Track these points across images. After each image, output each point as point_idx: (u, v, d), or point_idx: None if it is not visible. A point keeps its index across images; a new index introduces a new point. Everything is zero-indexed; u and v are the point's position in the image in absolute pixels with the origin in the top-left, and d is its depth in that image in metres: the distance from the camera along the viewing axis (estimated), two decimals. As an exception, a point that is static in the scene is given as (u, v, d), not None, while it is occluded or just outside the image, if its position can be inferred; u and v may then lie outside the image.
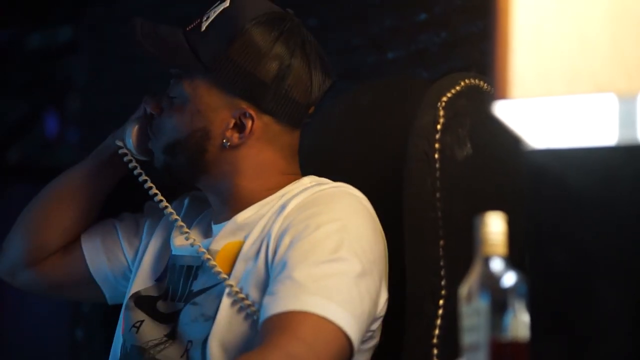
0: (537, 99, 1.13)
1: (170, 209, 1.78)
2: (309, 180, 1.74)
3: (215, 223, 1.76)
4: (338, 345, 1.54)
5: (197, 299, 1.69)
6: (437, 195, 1.68)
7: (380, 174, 1.81)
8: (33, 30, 3.93)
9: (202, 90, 1.71)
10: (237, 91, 1.69)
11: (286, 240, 1.62)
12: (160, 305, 1.75)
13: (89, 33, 3.77)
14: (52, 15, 3.78)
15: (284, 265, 1.59)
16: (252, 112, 1.70)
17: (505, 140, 1.41)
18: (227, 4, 1.71)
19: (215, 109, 1.71)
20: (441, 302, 1.66)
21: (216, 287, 1.67)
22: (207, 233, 1.77)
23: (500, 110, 1.16)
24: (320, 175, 1.74)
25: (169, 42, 1.73)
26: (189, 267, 1.74)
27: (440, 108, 1.70)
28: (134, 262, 1.85)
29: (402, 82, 1.98)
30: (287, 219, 1.65)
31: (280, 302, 1.55)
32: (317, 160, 1.86)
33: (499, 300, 1.16)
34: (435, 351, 1.65)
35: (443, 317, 1.65)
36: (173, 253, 1.77)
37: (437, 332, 1.65)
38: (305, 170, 1.76)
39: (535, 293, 1.13)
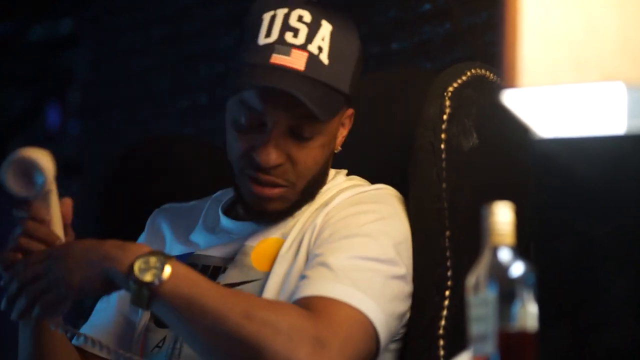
0: (544, 87, 1.13)
1: None
2: (342, 178, 1.74)
3: (245, 220, 1.73)
4: (365, 337, 1.54)
5: None
6: (443, 185, 1.68)
7: (386, 165, 1.81)
8: (35, 22, 3.93)
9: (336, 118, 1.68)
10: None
11: (326, 234, 1.62)
12: None
13: (90, 25, 3.76)
14: (53, 8, 3.78)
15: (320, 254, 1.58)
16: (349, 112, 1.70)
17: (511, 130, 1.41)
18: (329, 27, 1.63)
19: (337, 126, 1.70)
20: (447, 292, 1.66)
21: (251, 284, 1.65)
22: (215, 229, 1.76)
23: (508, 99, 1.15)
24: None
25: (330, 99, 1.65)
26: (216, 268, 1.70)
27: (447, 98, 1.69)
28: None
29: (407, 72, 1.98)
30: (329, 215, 1.65)
31: (313, 286, 1.54)
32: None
33: (507, 291, 1.15)
34: (441, 342, 1.65)
35: (449, 308, 1.65)
36: (197, 253, 1.74)
37: (443, 322, 1.65)
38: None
39: (542, 283, 1.13)
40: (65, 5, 3.74)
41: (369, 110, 1.90)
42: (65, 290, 1.50)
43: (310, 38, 1.62)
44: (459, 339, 1.37)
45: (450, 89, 1.70)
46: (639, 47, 1.11)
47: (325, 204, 1.68)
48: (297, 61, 1.61)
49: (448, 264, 1.67)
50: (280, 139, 1.62)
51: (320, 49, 1.62)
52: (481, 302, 1.16)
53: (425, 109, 1.71)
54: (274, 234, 1.69)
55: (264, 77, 1.60)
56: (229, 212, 1.78)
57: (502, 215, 1.18)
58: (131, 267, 1.47)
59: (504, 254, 1.17)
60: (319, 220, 1.65)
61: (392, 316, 1.58)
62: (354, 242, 1.59)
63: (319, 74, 1.61)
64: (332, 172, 1.76)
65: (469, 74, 1.72)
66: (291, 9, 1.63)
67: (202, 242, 1.76)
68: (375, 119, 1.87)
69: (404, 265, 1.62)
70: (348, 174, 1.77)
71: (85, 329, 1.75)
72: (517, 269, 1.16)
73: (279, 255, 1.65)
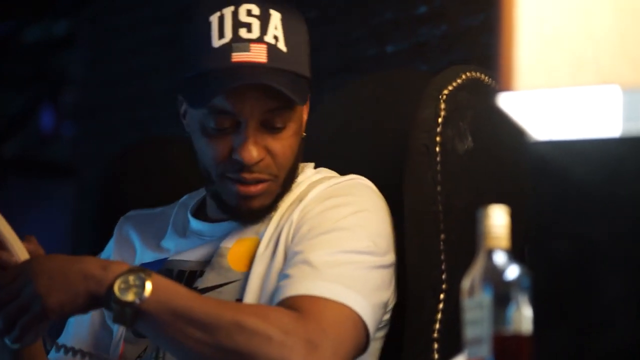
0: (541, 90, 1.12)
1: None
2: (311, 171, 1.74)
3: (217, 221, 1.72)
4: (355, 332, 1.54)
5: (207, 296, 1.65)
6: (438, 188, 1.67)
7: (381, 167, 1.80)
8: (31, 23, 3.92)
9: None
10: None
11: (304, 229, 1.61)
12: None
13: (87, 26, 3.76)
14: (50, 8, 3.77)
15: (300, 251, 1.58)
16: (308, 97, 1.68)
17: (507, 133, 1.41)
18: (278, 15, 1.62)
19: (303, 111, 1.69)
20: (442, 295, 1.65)
21: (230, 285, 1.64)
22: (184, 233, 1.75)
23: (504, 102, 1.15)
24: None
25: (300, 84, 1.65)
26: (192, 272, 1.69)
27: (442, 101, 1.69)
28: None
29: (403, 74, 1.98)
30: (305, 210, 1.64)
31: (297, 285, 1.54)
32: (317, 153, 1.85)
33: (502, 294, 1.15)
34: (436, 345, 1.64)
35: (444, 311, 1.65)
36: (170, 258, 1.72)
37: (437, 325, 1.65)
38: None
39: (538, 286, 1.13)
40: (63, 5, 3.73)
41: (364, 112, 1.89)
42: (43, 309, 1.46)
43: (264, 29, 1.61)
44: (453, 342, 1.37)
45: (446, 91, 1.70)
46: (636, 50, 1.11)
47: (300, 199, 1.67)
48: (258, 55, 1.60)
49: (443, 267, 1.66)
50: (257, 134, 1.61)
51: (276, 38, 1.62)
52: (476, 305, 1.16)
53: (420, 111, 1.70)
54: (248, 233, 1.68)
55: (232, 78, 1.59)
56: (198, 214, 1.76)
57: (497, 218, 1.18)
58: (111, 287, 1.45)
59: (499, 257, 1.17)
60: (295, 216, 1.64)
61: (378, 306, 1.58)
62: (332, 237, 1.59)
63: (282, 62, 1.61)
64: (299, 165, 1.74)
65: (464, 76, 1.71)
66: (237, 5, 1.62)
67: (173, 247, 1.74)
68: (371, 121, 1.87)
69: (383, 253, 1.62)
70: (315, 167, 1.77)
71: (60, 341, 1.72)
72: (512, 272, 1.16)
73: (257, 254, 1.64)
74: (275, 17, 1.62)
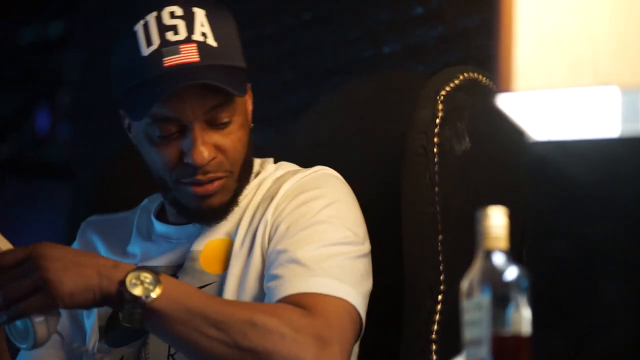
0: (539, 91, 1.13)
1: None
2: (272, 166, 1.73)
3: (182, 224, 1.71)
4: (353, 323, 1.55)
5: None
6: (436, 189, 1.67)
7: (378, 169, 1.80)
8: (25, 24, 3.92)
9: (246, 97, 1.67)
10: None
11: (282, 228, 1.61)
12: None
13: (82, 27, 3.75)
14: (44, 9, 3.77)
15: (284, 250, 1.58)
16: (249, 85, 1.67)
17: (505, 134, 1.41)
18: (201, 11, 1.61)
19: (246, 102, 1.68)
20: (440, 297, 1.65)
21: (206, 288, 1.63)
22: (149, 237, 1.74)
23: (502, 102, 1.15)
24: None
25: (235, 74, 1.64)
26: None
27: (439, 102, 1.69)
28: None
29: (400, 76, 1.98)
30: (279, 208, 1.64)
31: (291, 284, 1.54)
32: (314, 155, 1.86)
33: (501, 295, 1.15)
34: (434, 346, 1.64)
35: (442, 312, 1.65)
36: (140, 264, 1.69)
37: (435, 327, 1.65)
38: (305, 166, 1.74)
39: (536, 287, 1.13)
40: (57, 6, 3.73)
41: (361, 114, 1.89)
42: (53, 295, 1.43)
43: (190, 29, 1.60)
44: (451, 343, 1.37)
45: (443, 92, 1.70)
46: (634, 50, 1.11)
47: (270, 196, 1.66)
48: (189, 55, 1.59)
49: (441, 268, 1.66)
50: (204, 134, 1.60)
51: (204, 35, 1.61)
52: (475, 306, 1.16)
53: (418, 112, 1.70)
54: (217, 234, 1.68)
55: (167, 83, 1.58)
56: (161, 217, 1.76)
57: (496, 219, 1.17)
58: (122, 284, 1.44)
59: (498, 258, 1.17)
60: (269, 215, 1.64)
61: (365, 295, 1.60)
62: (312, 231, 1.59)
63: (214, 58, 1.60)
64: (257, 161, 1.74)
65: (461, 77, 1.71)
66: (159, 10, 1.61)
67: (140, 251, 1.73)
68: (368, 122, 1.87)
69: (362, 242, 1.63)
70: (275, 162, 1.76)
71: None
72: (511, 272, 1.16)
73: (232, 255, 1.64)
74: (200, 14, 1.61)
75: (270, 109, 2.67)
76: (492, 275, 1.16)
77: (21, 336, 1.47)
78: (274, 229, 1.62)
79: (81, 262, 1.46)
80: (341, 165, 1.79)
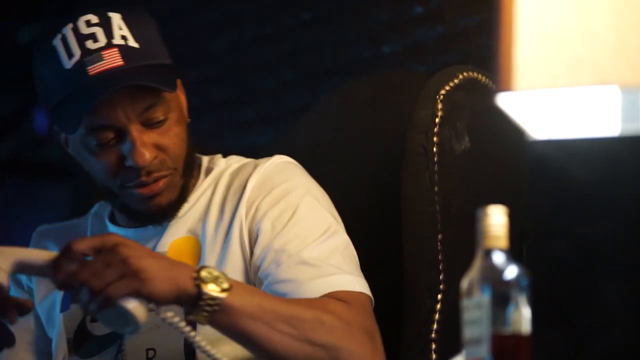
0: (539, 90, 1.13)
1: None
2: (223, 161, 1.73)
3: (138, 227, 1.69)
4: (373, 315, 1.58)
5: (154, 305, 1.62)
6: (436, 189, 1.67)
7: (378, 168, 1.80)
8: (23, 24, 3.91)
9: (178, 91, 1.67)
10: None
11: (266, 226, 1.61)
12: (93, 327, 1.67)
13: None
14: (42, 9, 3.76)
15: (281, 251, 1.58)
16: (179, 80, 1.67)
17: (504, 133, 1.41)
18: (117, 15, 1.61)
19: (179, 97, 1.67)
20: (439, 296, 1.65)
21: None
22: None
23: (502, 102, 1.15)
24: (319, 171, 1.73)
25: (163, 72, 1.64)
26: None
27: (439, 101, 1.69)
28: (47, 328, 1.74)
29: (400, 75, 1.98)
30: (253, 204, 1.64)
31: (310, 286, 1.54)
32: (314, 155, 1.85)
33: (501, 294, 1.15)
34: (434, 345, 1.64)
35: (441, 311, 1.65)
36: None
37: (435, 326, 1.65)
38: (305, 168, 1.74)
39: (536, 286, 1.13)
40: (56, 6, 3.72)
41: (360, 113, 1.89)
42: (147, 289, 1.39)
43: (109, 34, 1.60)
44: (451, 342, 1.37)
45: (443, 92, 1.70)
46: (634, 50, 1.11)
47: (237, 192, 1.66)
48: (113, 60, 1.59)
49: (441, 267, 1.66)
50: (142, 136, 1.60)
51: (124, 37, 1.60)
52: (475, 305, 1.16)
53: (417, 112, 1.70)
54: (179, 233, 1.67)
55: (96, 91, 1.57)
56: (114, 222, 1.74)
57: (496, 218, 1.17)
58: (199, 278, 1.41)
59: (498, 257, 1.17)
60: (242, 212, 1.63)
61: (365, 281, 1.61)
62: (303, 227, 1.60)
63: (139, 59, 1.60)
64: (205, 158, 1.74)
65: (461, 77, 1.72)
66: (74, 21, 1.61)
67: None
68: (367, 122, 1.87)
69: (341, 224, 1.65)
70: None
71: None
72: (511, 271, 1.16)
73: (205, 252, 1.64)
74: (116, 18, 1.61)
75: (270, 109, 2.68)
76: (492, 274, 1.16)
77: (119, 322, 1.43)
78: (254, 227, 1.62)
79: (155, 255, 1.45)
80: (341, 165, 1.80)
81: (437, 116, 1.69)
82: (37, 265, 1.45)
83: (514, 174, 1.66)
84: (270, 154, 1.78)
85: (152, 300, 1.41)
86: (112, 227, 1.73)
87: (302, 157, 1.75)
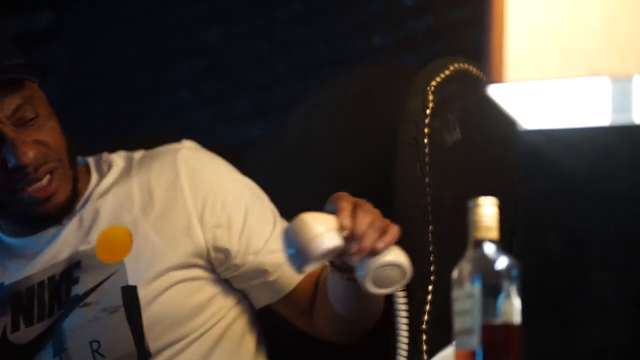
0: (531, 82, 1.13)
1: None
2: (121, 156, 1.76)
3: (40, 231, 1.70)
4: None
5: (90, 299, 1.64)
6: (427, 180, 1.67)
7: (369, 160, 1.80)
8: (13, 15, 3.90)
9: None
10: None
11: (223, 221, 1.67)
12: (16, 338, 1.67)
13: (71, 19, 3.74)
14: (33, 1, 3.75)
15: (255, 252, 1.68)
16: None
17: (496, 125, 1.41)
18: None
19: (42, 94, 1.70)
20: (430, 287, 1.65)
21: (114, 276, 1.64)
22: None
23: (494, 93, 1.15)
24: (310, 163, 1.74)
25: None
26: (52, 278, 1.67)
27: (430, 93, 1.69)
28: None
29: (391, 68, 1.98)
30: (199, 198, 1.67)
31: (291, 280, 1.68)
32: (305, 147, 1.85)
33: (492, 284, 1.15)
34: (425, 337, 1.64)
35: (432, 302, 1.65)
36: (25, 276, 1.69)
37: (426, 317, 1.65)
38: (298, 160, 1.75)
39: (527, 277, 1.13)
40: (46, -2, 3.72)
41: (352, 106, 1.89)
42: (396, 232, 1.50)
43: None
44: (442, 334, 1.37)
45: (434, 83, 1.70)
46: (625, 41, 1.11)
47: (168, 182, 1.69)
48: None
49: (431, 258, 1.66)
50: (20, 135, 1.62)
51: None
52: (465, 296, 1.16)
53: (409, 103, 1.70)
54: (104, 224, 1.69)
55: None
56: (9, 234, 1.73)
57: (487, 209, 1.18)
58: None
59: (489, 248, 1.17)
60: (190, 205, 1.66)
61: None
62: (258, 222, 1.69)
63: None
64: (90, 158, 1.77)
65: (452, 68, 1.71)
66: None
67: (12, 271, 1.70)
68: (359, 114, 1.87)
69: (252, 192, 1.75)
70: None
71: None
72: (502, 262, 1.16)
73: (137, 239, 1.66)
74: None
75: (262, 101, 2.67)
76: (483, 265, 1.16)
77: (389, 281, 1.49)
78: (206, 220, 1.66)
79: None
80: (333, 156, 1.79)
81: (428, 108, 1.69)
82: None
83: (505, 166, 1.66)
84: (262, 146, 1.78)
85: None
86: (13, 240, 1.72)
87: (295, 149, 1.75)
